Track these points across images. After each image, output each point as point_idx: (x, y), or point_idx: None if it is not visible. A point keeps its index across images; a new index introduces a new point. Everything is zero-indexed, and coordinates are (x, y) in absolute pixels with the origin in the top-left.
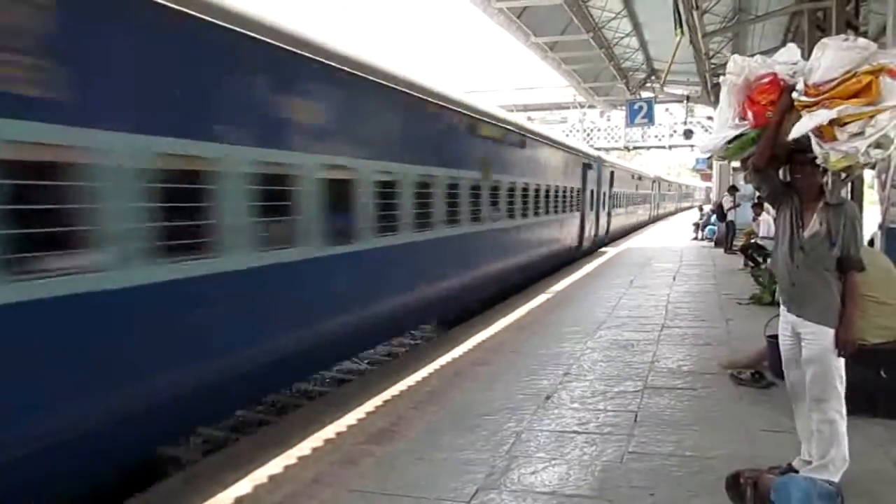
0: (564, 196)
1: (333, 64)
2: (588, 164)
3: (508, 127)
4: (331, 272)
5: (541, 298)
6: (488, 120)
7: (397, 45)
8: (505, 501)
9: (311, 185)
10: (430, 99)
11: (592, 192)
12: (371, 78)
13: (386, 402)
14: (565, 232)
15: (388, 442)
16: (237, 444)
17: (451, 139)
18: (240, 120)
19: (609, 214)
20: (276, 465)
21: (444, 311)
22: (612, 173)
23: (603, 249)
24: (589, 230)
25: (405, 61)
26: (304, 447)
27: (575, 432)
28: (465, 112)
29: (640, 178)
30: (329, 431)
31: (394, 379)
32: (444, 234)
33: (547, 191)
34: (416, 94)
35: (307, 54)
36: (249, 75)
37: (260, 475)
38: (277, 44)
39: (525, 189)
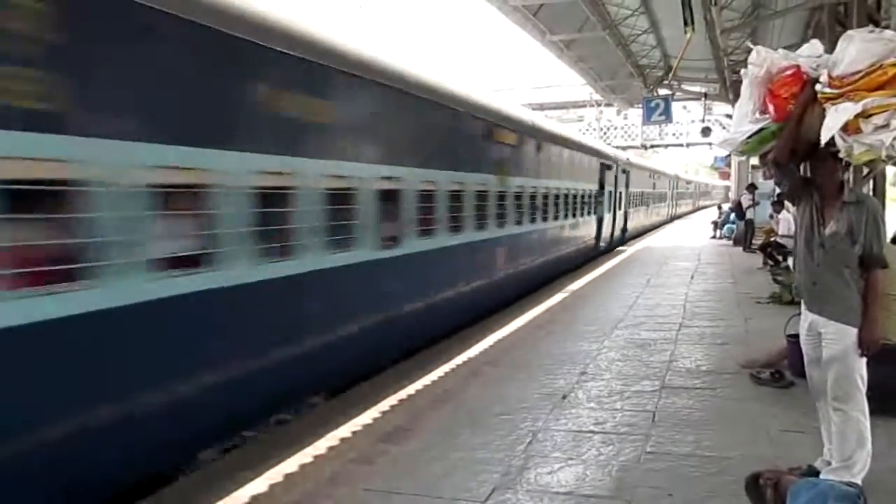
0: (584, 199)
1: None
2: (607, 164)
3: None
4: (518, 241)
5: (557, 297)
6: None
7: (414, 44)
8: (521, 501)
9: (511, 194)
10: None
11: (611, 193)
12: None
13: (402, 401)
14: (584, 231)
15: (404, 441)
16: (253, 443)
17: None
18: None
19: (626, 215)
20: (291, 464)
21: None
22: (628, 173)
23: (620, 248)
24: (606, 231)
25: (424, 60)
26: (320, 446)
27: (592, 432)
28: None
29: (657, 176)
30: (345, 430)
31: (409, 378)
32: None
33: (567, 194)
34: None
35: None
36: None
37: (276, 473)
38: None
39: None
